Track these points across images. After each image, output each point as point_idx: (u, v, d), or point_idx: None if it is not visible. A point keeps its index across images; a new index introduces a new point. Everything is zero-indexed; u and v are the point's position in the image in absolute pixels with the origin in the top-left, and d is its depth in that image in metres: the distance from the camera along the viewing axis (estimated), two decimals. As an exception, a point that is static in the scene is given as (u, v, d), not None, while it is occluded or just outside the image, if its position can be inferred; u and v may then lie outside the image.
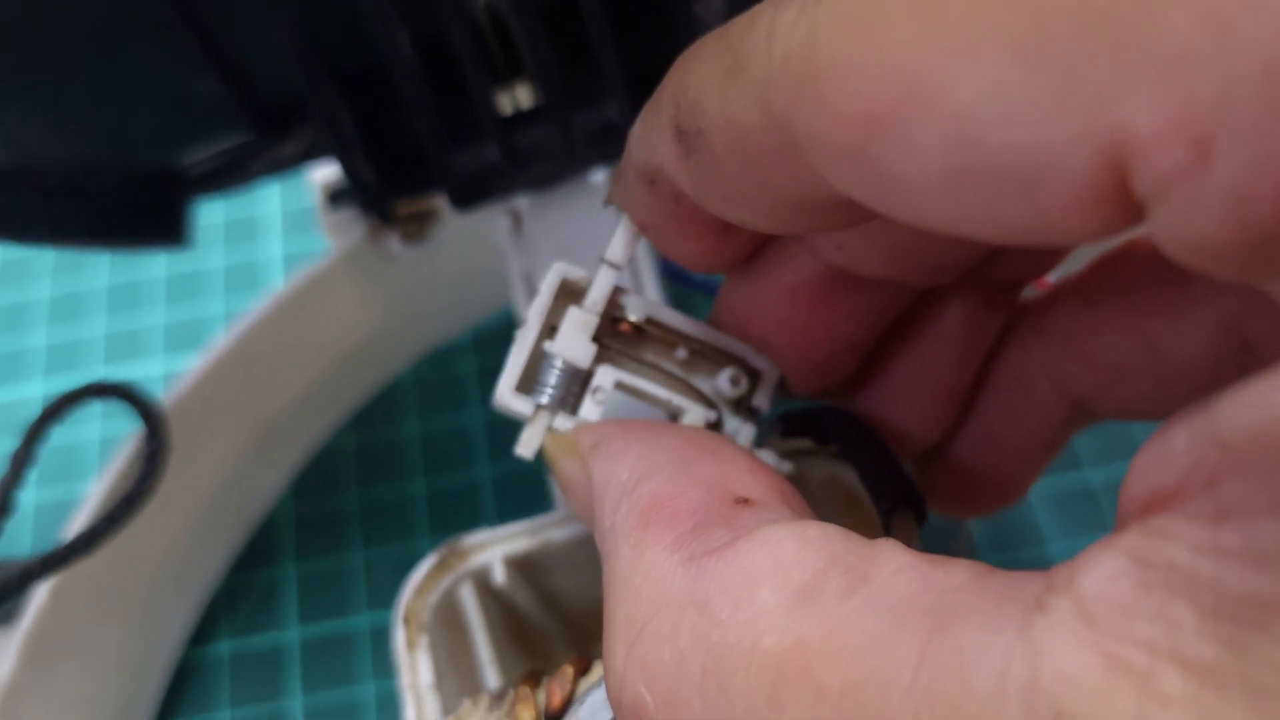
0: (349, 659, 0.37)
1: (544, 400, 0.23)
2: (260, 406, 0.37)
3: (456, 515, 0.39)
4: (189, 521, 0.36)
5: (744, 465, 0.20)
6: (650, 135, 0.19)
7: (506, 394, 0.23)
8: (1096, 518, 0.37)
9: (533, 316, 0.23)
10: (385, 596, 0.37)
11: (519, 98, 0.31)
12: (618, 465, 0.20)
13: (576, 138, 0.30)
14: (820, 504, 0.28)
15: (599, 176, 0.33)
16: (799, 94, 0.15)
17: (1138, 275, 0.23)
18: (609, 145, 0.31)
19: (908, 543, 0.22)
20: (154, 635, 0.36)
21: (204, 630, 0.38)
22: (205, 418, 0.35)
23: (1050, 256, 0.24)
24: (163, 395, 0.35)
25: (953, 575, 0.15)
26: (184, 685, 0.36)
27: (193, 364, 0.36)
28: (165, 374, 0.44)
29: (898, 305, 0.24)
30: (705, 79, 0.18)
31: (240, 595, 0.38)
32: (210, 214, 0.48)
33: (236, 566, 0.39)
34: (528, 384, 0.23)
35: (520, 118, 0.31)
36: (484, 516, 0.39)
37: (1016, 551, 0.37)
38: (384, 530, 0.39)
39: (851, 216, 0.18)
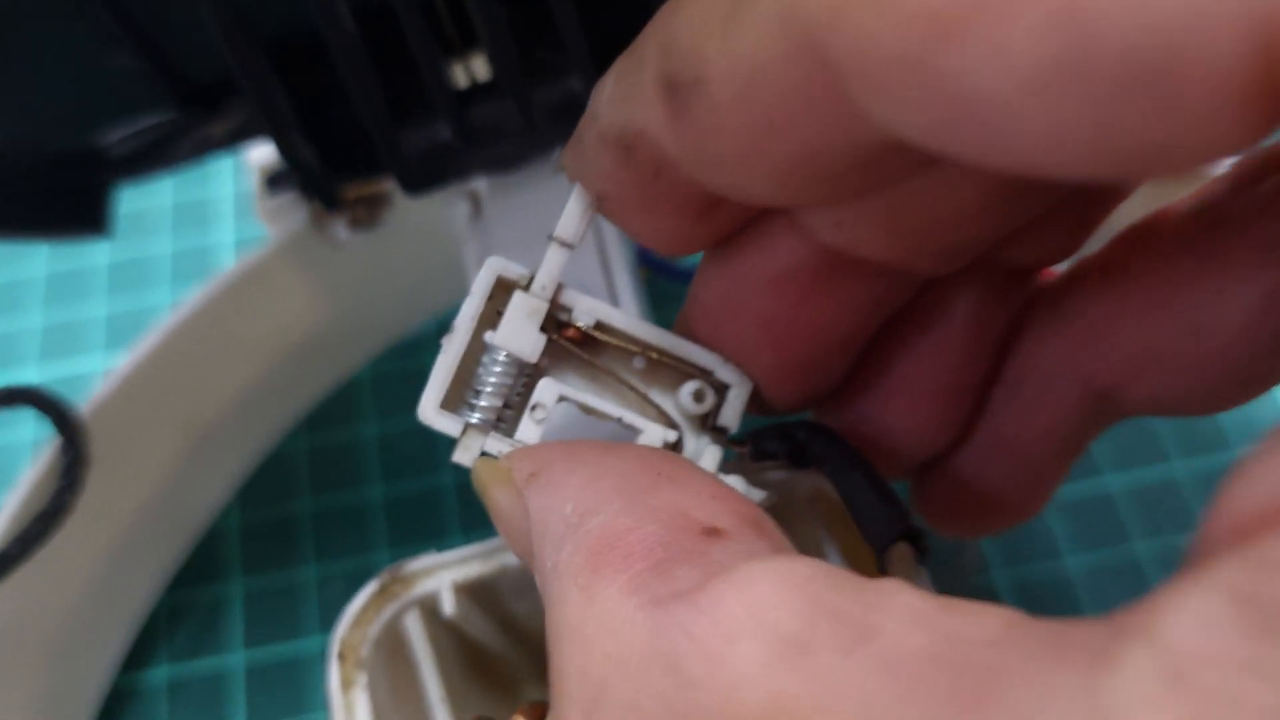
0: (300, 685, 0.34)
1: (475, 419, 0.21)
2: (195, 411, 0.34)
3: (418, 524, 0.36)
4: (118, 536, 0.33)
5: (707, 490, 0.17)
6: (630, 96, 0.17)
7: (430, 411, 0.21)
8: (1116, 527, 0.34)
9: (462, 320, 0.21)
10: (339, 616, 0.34)
11: (474, 69, 0.28)
12: (558, 497, 0.18)
13: (536, 113, 0.28)
14: (808, 521, 0.25)
15: (564, 157, 0.30)
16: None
17: (1169, 249, 0.21)
18: (573, 121, 0.28)
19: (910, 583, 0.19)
20: (79, 663, 0.33)
21: (139, 654, 0.35)
22: (132, 424, 0.32)
23: (1076, 235, 0.21)
24: (84, 400, 0.32)
25: (981, 624, 0.12)
26: (116, 716, 0.33)
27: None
28: (105, 369, 0.41)
29: (897, 296, 0.21)
30: (703, 18, 0.16)
31: (180, 615, 0.35)
32: (157, 196, 0.45)
33: (176, 583, 0.36)
34: (457, 398, 0.21)
35: (475, 92, 0.28)
36: (447, 525, 0.36)
37: (1029, 566, 0.34)
38: (339, 542, 0.36)
39: (882, 174, 0.16)
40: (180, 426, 0.34)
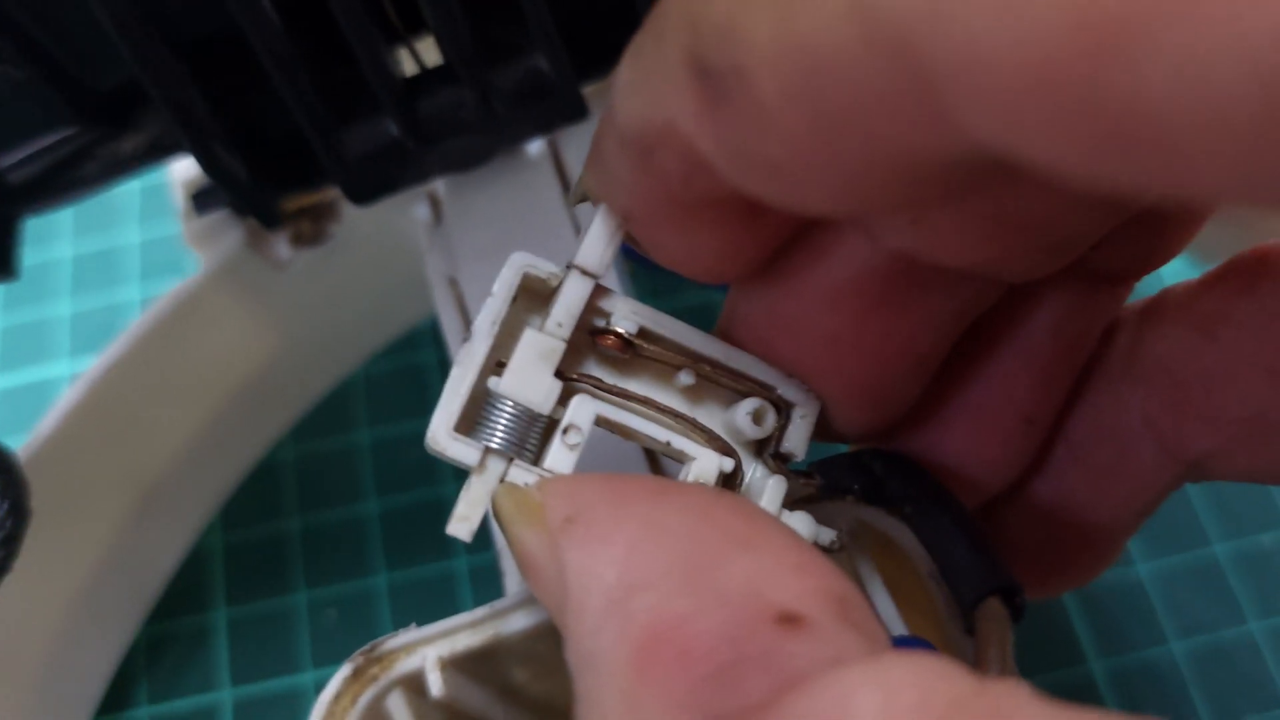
0: (291, 723, 0.31)
1: (495, 442, 0.18)
2: (141, 467, 0.31)
3: (419, 542, 0.33)
4: (80, 580, 0.30)
5: (789, 558, 0.14)
6: (649, 80, 0.14)
7: (442, 435, 0.18)
8: (1192, 527, 0.31)
9: (480, 327, 0.18)
10: (333, 647, 0.31)
11: (422, 53, 0.24)
12: (600, 557, 0.15)
13: (496, 100, 0.24)
14: (849, 554, 0.22)
15: (534, 147, 0.26)
16: None
17: None
18: (540, 105, 0.24)
19: (1001, 647, 0.17)
20: (53, 706, 0.30)
21: (118, 692, 0.32)
22: (73, 485, 0.29)
23: (1177, 237, 0.18)
24: (31, 437, 0.28)
25: None
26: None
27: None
28: (72, 375, 0.38)
29: (977, 306, 0.18)
30: None
31: (161, 648, 0.33)
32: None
33: (155, 612, 0.33)
34: (473, 421, 0.18)
35: (424, 80, 0.24)
36: (452, 543, 0.33)
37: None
38: (332, 563, 0.33)
39: (978, 177, 0.14)
40: (129, 483, 0.31)
